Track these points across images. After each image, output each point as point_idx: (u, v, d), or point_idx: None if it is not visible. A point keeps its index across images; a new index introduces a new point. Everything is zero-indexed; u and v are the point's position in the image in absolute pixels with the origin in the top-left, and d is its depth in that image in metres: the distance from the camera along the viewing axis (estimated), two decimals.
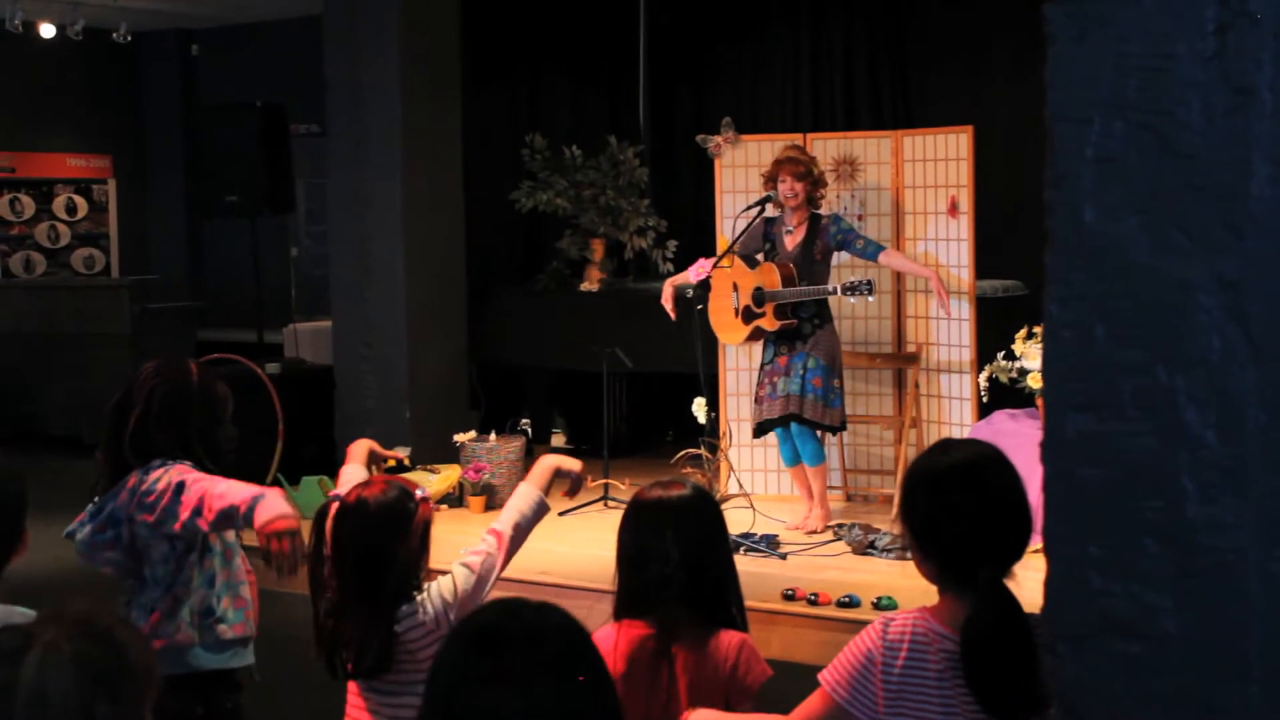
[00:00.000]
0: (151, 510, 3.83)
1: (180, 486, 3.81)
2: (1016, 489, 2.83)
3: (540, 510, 3.75)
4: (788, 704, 3.57)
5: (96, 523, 3.91)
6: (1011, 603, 2.75)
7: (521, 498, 3.73)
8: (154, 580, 3.93)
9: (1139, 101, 1.79)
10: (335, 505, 3.51)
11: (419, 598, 3.47)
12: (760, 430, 8.13)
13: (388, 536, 3.44)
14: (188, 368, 4.04)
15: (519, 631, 1.92)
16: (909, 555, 2.98)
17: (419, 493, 3.52)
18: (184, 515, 3.78)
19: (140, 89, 15.44)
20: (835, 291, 7.76)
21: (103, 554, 3.93)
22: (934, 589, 2.90)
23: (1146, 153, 1.79)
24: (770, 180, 8.09)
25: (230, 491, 3.77)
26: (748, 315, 8.07)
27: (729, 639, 3.28)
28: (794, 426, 8.00)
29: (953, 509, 2.81)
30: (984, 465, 2.85)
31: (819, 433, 8.04)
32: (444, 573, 3.64)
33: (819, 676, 2.91)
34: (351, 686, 3.53)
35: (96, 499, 3.99)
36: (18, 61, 14.15)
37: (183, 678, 3.90)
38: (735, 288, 8.14)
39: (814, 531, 8.05)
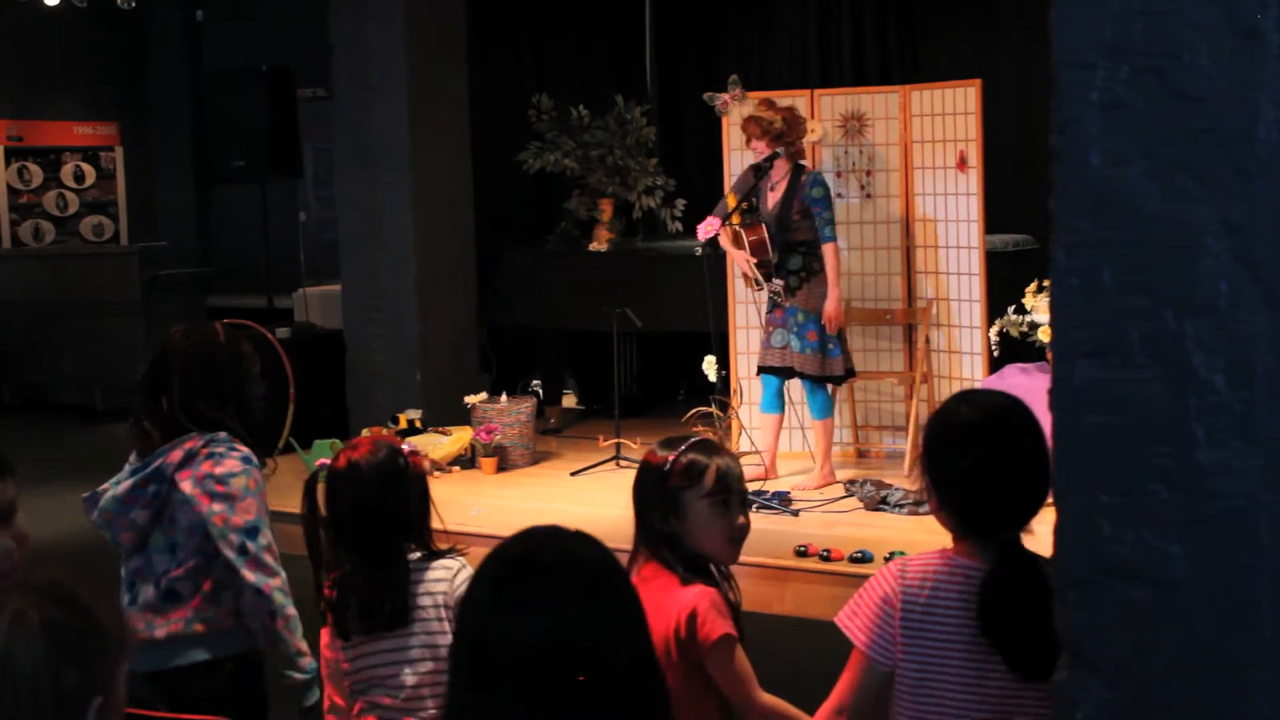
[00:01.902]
0: (212, 498, 3.84)
1: (253, 530, 3.86)
2: (1038, 441, 2.78)
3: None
4: (801, 659, 3.58)
5: (141, 476, 3.88)
6: (1029, 562, 2.73)
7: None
8: (169, 549, 3.92)
9: (1144, 45, 1.77)
10: (324, 474, 3.53)
11: (453, 560, 3.49)
12: (760, 370, 8.28)
13: (386, 496, 3.46)
14: (214, 330, 4.08)
15: (549, 561, 1.90)
16: (922, 509, 2.98)
17: (406, 448, 3.53)
18: (244, 571, 3.84)
19: (146, 55, 15.40)
20: (761, 287, 8.03)
21: (130, 513, 3.89)
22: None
23: (1152, 97, 1.78)
24: (746, 141, 8.13)
25: (293, 624, 3.86)
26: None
27: (688, 593, 3.25)
28: (803, 382, 8.08)
29: (973, 462, 2.78)
30: (1007, 417, 2.81)
31: (829, 386, 8.08)
32: (457, 534, 3.65)
33: (838, 621, 2.86)
34: (325, 647, 3.57)
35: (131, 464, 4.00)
36: (23, 30, 14.13)
37: (215, 662, 3.93)
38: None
39: (810, 488, 8.09)
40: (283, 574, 3.92)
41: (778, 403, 8.27)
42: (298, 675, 3.85)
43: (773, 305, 8.14)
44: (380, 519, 3.45)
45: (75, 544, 6.27)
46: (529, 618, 1.85)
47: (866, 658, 2.82)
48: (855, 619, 2.84)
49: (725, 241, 8.21)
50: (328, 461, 3.56)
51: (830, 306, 7.94)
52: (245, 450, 3.93)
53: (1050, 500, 1.99)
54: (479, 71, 10.55)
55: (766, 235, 7.95)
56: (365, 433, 8.99)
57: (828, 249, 7.96)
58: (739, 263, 8.21)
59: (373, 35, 9.92)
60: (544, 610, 1.85)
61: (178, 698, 3.86)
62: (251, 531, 3.86)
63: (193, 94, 14.74)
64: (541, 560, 1.91)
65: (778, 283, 8.00)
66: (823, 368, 8.02)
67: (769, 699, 3.31)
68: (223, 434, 3.92)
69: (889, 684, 2.84)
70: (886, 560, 6.46)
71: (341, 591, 3.47)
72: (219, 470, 3.86)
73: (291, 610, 3.84)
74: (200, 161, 14.26)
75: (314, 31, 11.07)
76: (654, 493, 3.32)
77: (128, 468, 3.98)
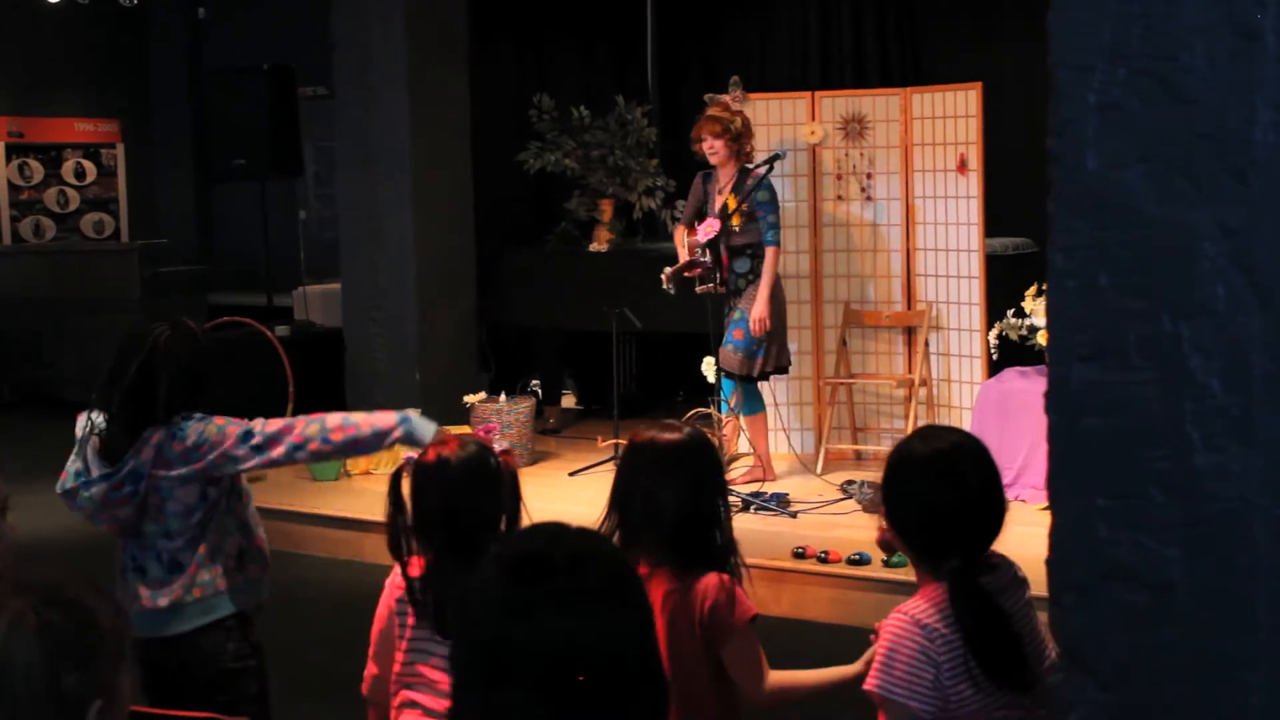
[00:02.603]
0: (199, 459, 3.91)
1: (247, 434, 3.95)
2: (991, 482, 2.91)
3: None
4: (799, 660, 3.58)
5: (114, 479, 3.92)
6: (981, 595, 2.83)
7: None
8: (164, 534, 3.97)
9: (1142, 47, 1.77)
10: (410, 469, 3.47)
11: None
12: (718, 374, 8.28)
13: (476, 494, 3.40)
14: (194, 327, 4.10)
15: (561, 559, 1.87)
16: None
17: (498, 446, 3.50)
18: (273, 455, 3.96)
19: (147, 52, 15.41)
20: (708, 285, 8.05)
21: (111, 511, 3.95)
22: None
23: (1149, 99, 1.78)
24: (696, 141, 8.16)
25: (347, 420, 4.00)
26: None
27: (708, 579, 3.25)
28: (726, 381, 8.17)
29: (922, 500, 2.89)
30: (959, 457, 2.90)
31: (757, 384, 8.19)
32: None
33: (874, 690, 2.83)
34: (382, 618, 3.53)
35: (95, 456, 3.99)
36: (25, 26, 14.13)
37: (212, 627, 3.99)
38: None
39: (738, 482, 8.11)
40: (301, 419, 4.03)
41: (756, 403, 8.31)
42: (400, 433, 3.95)
43: (727, 310, 8.20)
44: (466, 517, 3.39)
45: (75, 540, 6.26)
46: (542, 618, 1.82)
47: (911, 712, 2.80)
48: (892, 678, 2.81)
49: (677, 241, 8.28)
50: (415, 455, 3.52)
51: (758, 309, 7.99)
52: (195, 413, 3.99)
53: (1046, 505, 1.99)
54: (480, 71, 10.54)
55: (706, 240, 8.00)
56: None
57: (769, 252, 8.04)
58: (682, 256, 8.24)
59: (374, 34, 9.92)
60: (557, 610, 1.83)
61: (178, 663, 3.94)
62: (244, 436, 3.96)
63: (194, 92, 14.74)
64: (552, 558, 1.88)
65: (665, 273, 8.06)
66: (744, 367, 8.07)
67: (774, 677, 3.32)
68: (177, 419, 3.96)
69: None
70: (885, 563, 6.49)
71: (423, 587, 3.40)
72: (189, 442, 3.93)
73: (334, 420, 3.97)
74: (201, 159, 14.26)
75: (315, 30, 11.07)
76: (714, 473, 3.38)
77: (95, 468, 3.98)
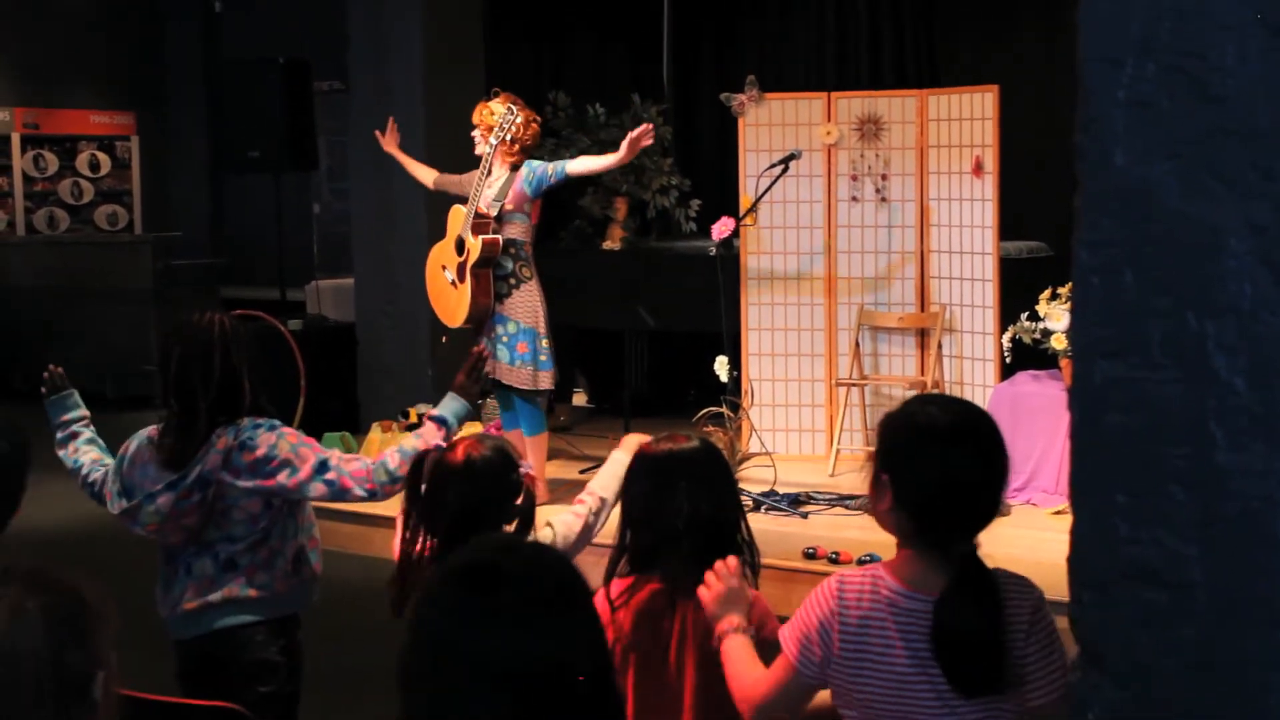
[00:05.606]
0: (269, 476, 3.84)
1: (323, 466, 3.87)
2: (1003, 454, 2.76)
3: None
4: None
5: (181, 487, 3.84)
6: (987, 579, 2.69)
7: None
8: (226, 538, 3.91)
9: (1172, 43, 1.76)
10: (434, 459, 3.46)
11: None
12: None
13: (493, 500, 3.39)
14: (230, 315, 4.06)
15: (513, 570, 1.89)
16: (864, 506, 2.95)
17: (524, 468, 3.47)
18: (355, 493, 3.90)
19: (163, 45, 15.44)
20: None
21: (178, 521, 3.87)
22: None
23: (1179, 95, 1.77)
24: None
25: (404, 451, 3.90)
26: (461, 270, 7.75)
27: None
28: (514, 397, 7.77)
29: (944, 469, 2.70)
30: (977, 425, 2.76)
31: (540, 400, 7.84)
32: None
33: (780, 635, 2.83)
34: None
35: (152, 466, 3.94)
36: (41, 18, 14.15)
37: (264, 623, 3.95)
38: (445, 267, 7.91)
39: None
40: (367, 459, 3.97)
41: (540, 424, 7.90)
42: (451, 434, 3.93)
43: (491, 319, 7.80)
44: (477, 521, 3.34)
45: (85, 531, 6.27)
46: (492, 627, 1.84)
47: (794, 668, 2.79)
48: (791, 633, 2.80)
49: (448, 248, 7.83)
50: (441, 444, 3.52)
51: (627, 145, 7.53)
52: (263, 420, 3.93)
53: (1060, 508, 1.98)
54: (496, 67, 10.54)
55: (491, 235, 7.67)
56: (375, 428, 9.00)
57: (571, 164, 7.75)
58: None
59: (390, 29, 9.93)
60: (507, 620, 1.85)
61: (218, 654, 3.91)
62: (321, 468, 3.87)
63: (209, 85, 14.77)
64: (504, 568, 1.89)
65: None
66: (533, 380, 7.71)
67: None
68: (244, 421, 3.89)
69: (808, 696, 2.84)
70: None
71: (412, 568, 3.40)
72: (260, 453, 3.85)
73: (396, 459, 3.88)
74: (215, 152, 14.29)
75: (332, 24, 11.09)
76: (729, 479, 3.40)
77: (153, 480, 3.90)
